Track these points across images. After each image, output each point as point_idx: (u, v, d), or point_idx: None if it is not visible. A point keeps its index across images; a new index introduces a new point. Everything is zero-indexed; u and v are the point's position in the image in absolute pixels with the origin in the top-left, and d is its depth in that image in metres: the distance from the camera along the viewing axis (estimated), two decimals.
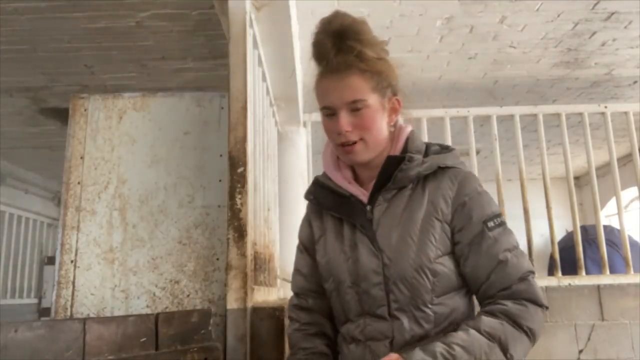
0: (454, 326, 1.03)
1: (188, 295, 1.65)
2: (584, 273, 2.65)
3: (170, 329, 1.16)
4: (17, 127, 4.22)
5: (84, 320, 1.00)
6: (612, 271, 2.73)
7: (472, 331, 0.98)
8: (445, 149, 1.17)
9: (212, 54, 3.02)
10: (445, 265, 1.06)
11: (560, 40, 3.13)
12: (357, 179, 1.17)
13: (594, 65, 3.49)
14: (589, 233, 2.87)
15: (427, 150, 1.14)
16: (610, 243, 2.78)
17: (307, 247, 1.23)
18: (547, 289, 2.56)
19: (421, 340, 1.04)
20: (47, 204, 6.23)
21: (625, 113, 2.89)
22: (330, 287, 1.15)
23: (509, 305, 1.01)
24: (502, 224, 1.07)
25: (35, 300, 5.93)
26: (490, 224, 1.05)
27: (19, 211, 5.66)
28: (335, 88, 1.07)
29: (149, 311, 1.62)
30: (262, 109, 2.07)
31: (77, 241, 1.72)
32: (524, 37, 3.09)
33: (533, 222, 2.76)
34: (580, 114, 2.90)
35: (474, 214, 1.06)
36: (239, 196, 1.50)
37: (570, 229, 2.82)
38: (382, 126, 1.11)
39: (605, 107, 2.90)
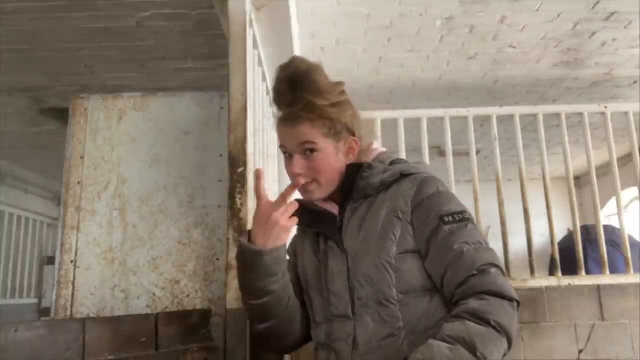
0: (432, 334, 0.97)
1: (188, 295, 1.65)
2: (584, 273, 2.65)
3: (170, 329, 1.16)
4: (17, 127, 4.22)
5: (84, 320, 1.00)
6: (615, 272, 2.73)
7: (432, 341, 0.93)
8: (413, 165, 1.20)
9: (212, 54, 3.02)
10: (407, 262, 1.07)
11: (560, 40, 3.13)
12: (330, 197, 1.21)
13: (594, 65, 3.49)
14: (590, 233, 2.86)
15: (393, 162, 1.18)
16: (612, 243, 2.77)
17: (296, 258, 1.27)
18: (547, 289, 2.56)
19: (386, 340, 1.04)
20: (47, 204, 6.23)
21: (625, 113, 2.88)
22: (306, 298, 1.20)
23: (470, 301, 0.96)
24: (463, 220, 1.06)
25: (35, 300, 5.93)
26: (447, 218, 1.05)
27: (19, 211, 5.66)
28: (288, 133, 1.13)
29: (149, 311, 1.62)
30: (262, 109, 2.07)
31: (77, 241, 1.72)
32: (524, 37, 3.08)
33: (533, 222, 2.76)
34: (580, 114, 2.90)
35: (432, 211, 1.07)
36: (239, 196, 1.50)
37: (572, 228, 2.81)
38: (335, 168, 1.14)
39: (605, 107, 2.89)
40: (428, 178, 1.13)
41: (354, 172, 1.13)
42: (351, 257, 1.11)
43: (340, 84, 1.19)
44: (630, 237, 2.87)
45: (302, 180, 1.12)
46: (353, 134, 1.16)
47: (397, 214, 1.09)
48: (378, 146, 1.24)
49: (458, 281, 1.00)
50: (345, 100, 1.17)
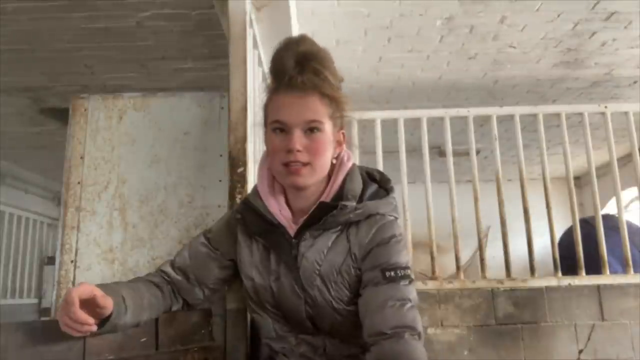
0: None
1: None
2: (584, 273, 2.65)
3: (170, 329, 1.16)
4: (17, 127, 4.22)
5: None
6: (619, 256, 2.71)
7: None
8: (383, 189, 1.16)
9: (212, 54, 3.02)
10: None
11: (560, 40, 3.13)
12: (288, 204, 1.15)
13: (594, 65, 3.49)
14: (590, 225, 2.84)
15: (364, 191, 1.13)
16: (614, 228, 2.75)
17: (218, 251, 1.21)
18: (547, 289, 2.56)
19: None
20: (47, 204, 6.23)
21: (625, 113, 2.88)
22: (255, 305, 1.17)
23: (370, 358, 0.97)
24: (403, 277, 1.04)
25: (35, 300, 5.92)
26: (388, 273, 1.03)
27: (19, 211, 5.66)
28: (294, 105, 1.05)
29: None
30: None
31: (77, 241, 1.72)
32: (524, 37, 3.08)
33: (533, 222, 2.76)
34: (580, 114, 2.90)
35: (377, 262, 1.05)
36: (239, 196, 1.50)
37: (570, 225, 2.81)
38: (329, 155, 1.10)
39: (605, 107, 2.89)
40: (385, 225, 1.09)
41: (325, 211, 1.08)
42: (309, 298, 1.09)
43: (342, 78, 1.15)
44: (630, 223, 2.85)
45: (299, 158, 1.04)
46: (342, 127, 1.14)
47: (353, 263, 1.08)
48: (353, 158, 1.19)
49: (371, 332, 0.99)
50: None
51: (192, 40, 2.90)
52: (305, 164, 1.06)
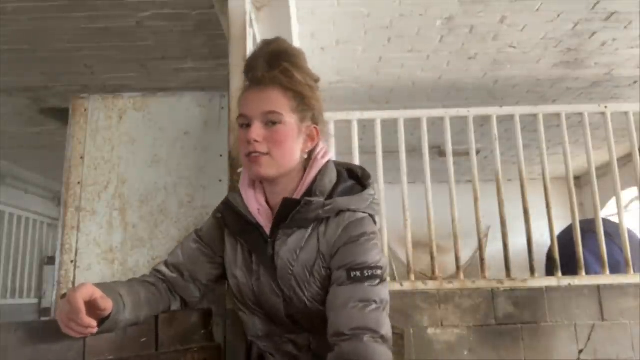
0: None
1: None
2: (584, 273, 2.65)
3: (170, 329, 1.16)
4: (17, 127, 4.22)
5: None
6: (610, 262, 2.72)
7: None
8: (359, 184, 1.14)
9: (212, 54, 3.02)
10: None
11: (560, 40, 3.13)
12: (268, 202, 1.15)
13: (594, 65, 3.49)
14: (581, 226, 2.84)
15: (336, 187, 1.11)
16: (605, 234, 2.76)
17: (210, 248, 1.21)
18: (547, 289, 2.56)
19: None
20: (47, 204, 6.23)
21: (625, 113, 2.88)
22: (240, 304, 1.18)
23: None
24: (371, 277, 1.01)
25: (35, 300, 5.92)
26: (354, 273, 1.01)
27: (19, 211, 5.66)
28: (255, 98, 1.09)
29: None
30: None
31: (77, 241, 1.72)
32: (524, 37, 3.08)
33: (533, 222, 2.75)
34: (580, 114, 2.90)
35: (343, 261, 1.04)
36: None
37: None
38: (293, 147, 1.09)
39: (605, 107, 2.89)
40: (354, 223, 1.07)
41: (290, 207, 1.07)
42: (287, 297, 1.09)
43: (317, 77, 1.16)
44: (629, 231, 2.86)
45: (257, 148, 1.06)
46: (316, 123, 1.14)
47: (323, 262, 1.07)
48: (330, 155, 1.18)
49: (332, 332, 0.98)
50: (318, 90, 1.14)
51: (192, 40, 2.90)
52: (264, 154, 1.07)
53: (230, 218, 1.16)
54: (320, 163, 1.13)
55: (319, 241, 1.08)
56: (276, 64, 1.08)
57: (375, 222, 1.12)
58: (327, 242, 1.07)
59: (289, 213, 1.07)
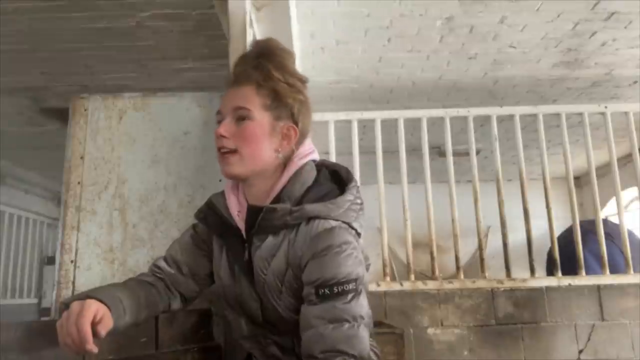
0: None
1: None
2: (584, 273, 2.65)
3: (170, 329, 1.16)
4: (17, 127, 4.22)
5: None
6: (611, 263, 2.72)
7: None
8: (340, 188, 1.09)
9: (212, 54, 3.02)
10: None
11: (560, 40, 3.13)
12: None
13: (594, 65, 3.49)
14: (582, 226, 2.84)
15: (307, 192, 1.05)
16: (605, 235, 2.76)
17: (205, 244, 1.19)
18: (547, 289, 2.56)
19: None
20: (47, 204, 6.23)
21: (625, 113, 2.88)
22: (226, 304, 1.16)
23: None
24: (341, 293, 0.96)
25: (35, 300, 5.93)
26: (322, 290, 0.96)
27: (19, 211, 5.66)
28: (230, 95, 1.09)
29: None
30: None
31: (77, 241, 1.72)
32: (524, 37, 3.08)
33: (533, 223, 2.76)
34: (580, 114, 2.90)
35: (310, 278, 0.99)
36: None
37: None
38: (264, 146, 1.06)
39: (605, 107, 2.89)
40: (322, 234, 1.00)
41: (254, 215, 1.03)
42: (264, 303, 1.07)
43: (304, 77, 1.13)
44: (630, 233, 2.86)
45: (224, 144, 1.04)
46: (295, 123, 1.09)
47: (296, 271, 1.02)
48: (314, 156, 1.13)
49: (304, 353, 0.96)
50: (301, 89, 1.11)
51: (192, 40, 2.90)
52: (233, 152, 1.05)
53: (212, 219, 1.14)
54: (295, 165, 1.08)
55: (288, 250, 1.03)
56: (255, 62, 1.09)
57: (354, 229, 1.05)
58: (294, 253, 1.02)
59: (255, 220, 1.04)
